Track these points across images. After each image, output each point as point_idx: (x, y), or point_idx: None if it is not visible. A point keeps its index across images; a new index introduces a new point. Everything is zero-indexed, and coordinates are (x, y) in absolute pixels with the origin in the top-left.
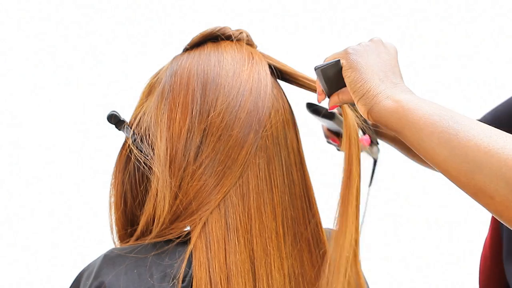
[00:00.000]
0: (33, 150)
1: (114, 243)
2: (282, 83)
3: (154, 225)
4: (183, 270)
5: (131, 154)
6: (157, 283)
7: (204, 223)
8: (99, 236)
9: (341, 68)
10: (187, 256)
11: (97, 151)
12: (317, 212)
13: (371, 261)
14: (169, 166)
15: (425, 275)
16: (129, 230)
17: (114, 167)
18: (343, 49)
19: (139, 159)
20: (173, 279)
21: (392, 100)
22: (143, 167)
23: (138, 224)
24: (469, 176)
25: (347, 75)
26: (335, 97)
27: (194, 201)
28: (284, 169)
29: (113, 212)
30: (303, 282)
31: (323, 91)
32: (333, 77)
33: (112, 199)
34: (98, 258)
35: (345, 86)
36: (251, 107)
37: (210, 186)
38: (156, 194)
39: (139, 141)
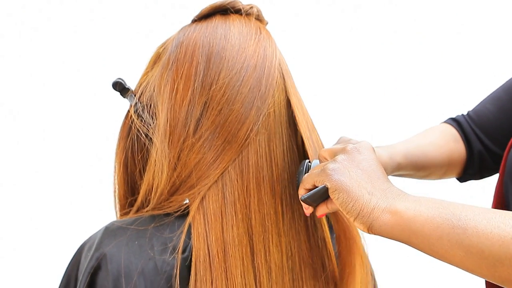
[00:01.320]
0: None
1: (116, 214)
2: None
3: (153, 195)
4: (183, 241)
5: (133, 124)
6: (158, 255)
7: (203, 197)
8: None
9: (326, 189)
10: (186, 228)
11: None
12: None
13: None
14: (169, 137)
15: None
16: (129, 200)
17: (118, 134)
18: (320, 169)
19: (140, 128)
20: (173, 251)
21: (389, 213)
22: (144, 137)
23: (138, 193)
24: (491, 270)
25: (335, 197)
26: (323, 207)
27: (192, 175)
28: (285, 148)
29: (116, 179)
30: (299, 261)
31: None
32: (320, 198)
33: (115, 167)
34: (99, 230)
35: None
36: (254, 83)
37: (209, 160)
38: (155, 164)
39: (141, 110)
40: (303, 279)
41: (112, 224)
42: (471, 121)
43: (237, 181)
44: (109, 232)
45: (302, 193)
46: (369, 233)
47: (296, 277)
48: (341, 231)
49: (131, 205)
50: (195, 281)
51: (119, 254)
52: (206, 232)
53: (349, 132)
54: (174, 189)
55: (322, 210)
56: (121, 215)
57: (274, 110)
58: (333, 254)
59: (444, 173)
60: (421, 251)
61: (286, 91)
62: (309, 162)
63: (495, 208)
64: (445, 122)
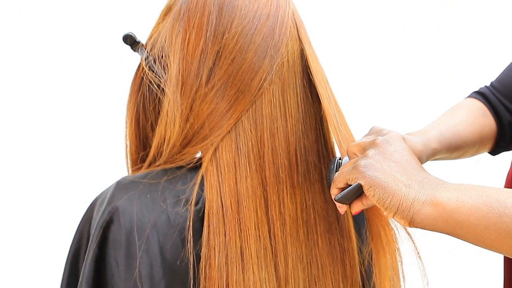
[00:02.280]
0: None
1: (128, 170)
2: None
3: (165, 148)
4: (196, 193)
5: (144, 76)
6: (170, 208)
7: (216, 148)
8: None
9: (360, 187)
10: (199, 180)
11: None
12: (333, 146)
13: None
14: (181, 87)
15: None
16: (141, 154)
17: (129, 89)
18: (351, 167)
19: (152, 80)
20: (186, 203)
21: (430, 205)
22: (156, 88)
23: (150, 147)
24: None
25: (370, 194)
26: (358, 203)
27: (205, 125)
28: (299, 98)
29: (127, 134)
30: (313, 214)
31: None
32: (353, 196)
33: (127, 122)
34: (110, 186)
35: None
36: (267, 32)
37: (222, 110)
38: (167, 116)
39: (153, 62)
40: (317, 232)
41: (124, 178)
42: (496, 91)
43: (251, 131)
44: (121, 186)
45: (335, 192)
46: (410, 227)
47: (311, 230)
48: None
49: (143, 160)
50: (208, 233)
51: (131, 207)
52: (219, 183)
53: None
54: (186, 141)
55: (357, 207)
56: (132, 171)
57: (288, 59)
58: (349, 210)
59: (477, 150)
60: (467, 241)
61: (300, 41)
62: (340, 159)
63: None
64: (469, 97)
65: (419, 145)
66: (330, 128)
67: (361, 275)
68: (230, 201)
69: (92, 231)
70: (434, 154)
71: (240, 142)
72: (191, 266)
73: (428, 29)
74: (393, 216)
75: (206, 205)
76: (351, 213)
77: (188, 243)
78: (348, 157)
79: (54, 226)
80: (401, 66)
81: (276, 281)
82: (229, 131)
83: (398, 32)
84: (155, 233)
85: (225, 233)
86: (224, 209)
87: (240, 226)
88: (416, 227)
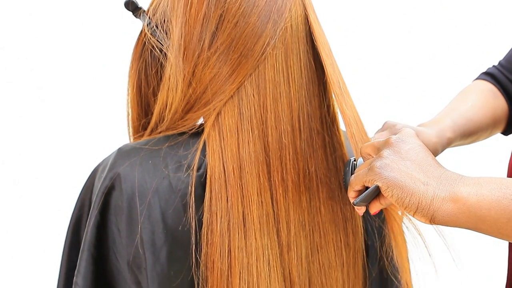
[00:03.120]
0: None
1: (129, 138)
2: None
3: (167, 113)
4: (198, 159)
5: (147, 41)
6: (172, 173)
7: (218, 113)
8: None
9: (378, 188)
10: (201, 145)
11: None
12: (336, 114)
13: None
14: (183, 52)
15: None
16: (143, 122)
17: (131, 56)
18: (367, 168)
19: (154, 45)
20: (188, 169)
21: (450, 202)
22: (158, 53)
23: (152, 114)
24: None
25: (388, 194)
26: (376, 203)
27: (207, 90)
28: (302, 64)
29: (129, 101)
30: (316, 180)
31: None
32: (371, 197)
33: (129, 89)
34: (112, 153)
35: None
36: None
37: (224, 75)
38: (169, 80)
39: (155, 27)
40: (320, 199)
41: (125, 145)
42: (505, 70)
43: (254, 96)
44: (123, 152)
45: (352, 195)
46: (431, 224)
47: (313, 196)
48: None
49: (144, 128)
50: (210, 198)
51: (133, 173)
52: (221, 148)
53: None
54: (189, 106)
55: (375, 207)
56: (134, 139)
57: (291, 24)
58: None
59: (490, 132)
60: (490, 235)
61: (304, 6)
62: (355, 160)
63: None
64: (478, 78)
65: (433, 137)
66: (333, 94)
67: (364, 243)
68: (233, 166)
69: (94, 198)
70: (449, 143)
71: (242, 107)
72: (193, 232)
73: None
74: (413, 214)
75: (208, 170)
76: (370, 212)
77: (190, 209)
78: (362, 158)
79: (53, 226)
80: (407, 54)
81: (279, 248)
82: (232, 96)
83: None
84: (157, 198)
85: (227, 199)
86: (226, 175)
87: (242, 191)
88: (438, 224)
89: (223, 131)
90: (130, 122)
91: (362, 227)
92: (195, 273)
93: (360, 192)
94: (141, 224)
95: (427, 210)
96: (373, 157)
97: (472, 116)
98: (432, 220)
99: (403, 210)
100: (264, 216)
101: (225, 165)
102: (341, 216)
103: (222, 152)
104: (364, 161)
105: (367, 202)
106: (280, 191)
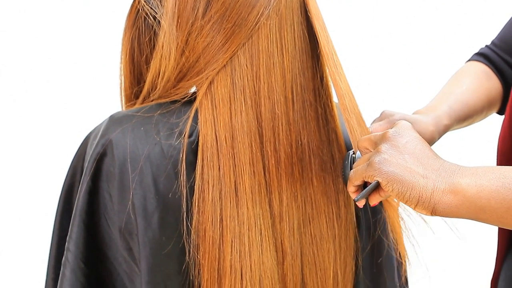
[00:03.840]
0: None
1: (122, 107)
2: None
3: (159, 81)
4: (189, 126)
5: (140, 8)
6: (164, 140)
7: (210, 82)
8: None
9: (378, 184)
10: (192, 113)
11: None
12: (329, 87)
13: None
14: (177, 20)
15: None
16: (135, 90)
17: (124, 23)
18: (366, 164)
19: (148, 12)
20: (179, 136)
21: (450, 194)
22: (152, 20)
23: (144, 82)
24: None
25: (389, 189)
26: (376, 196)
27: (200, 59)
28: (296, 35)
29: (122, 69)
30: (308, 152)
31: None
32: (372, 191)
33: (121, 57)
34: (104, 120)
35: None
36: None
37: (217, 44)
38: (162, 48)
39: None
40: (312, 170)
41: (117, 113)
42: (498, 48)
43: (247, 66)
44: (114, 120)
45: (352, 190)
46: (432, 215)
47: (306, 168)
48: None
49: (137, 96)
50: (202, 166)
51: (124, 139)
52: (213, 117)
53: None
54: (181, 75)
55: (375, 200)
56: (126, 107)
57: None
58: (344, 148)
59: (486, 114)
60: (490, 224)
61: None
62: (353, 154)
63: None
64: (471, 60)
65: (430, 125)
66: (325, 67)
67: (356, 216)
68: (225, 135)
69: (86, 165)
70: (445, 130)
71: (235, 76)
72: (184, 199)
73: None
74: (415, 208)
75: (200, 138)
76: (370, 205)
77: (182, 176)
78: (360, 152)
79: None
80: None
81: (271, 218)
82: (225, 65)
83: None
84: (149, 165)
85: (219, 167)
86: (218, 143)
87: (234, 160)
88: (439, 216)
89: (215, 100)
90: (122, 91)
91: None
92: (186, 240)
93: (359, 186)
94: (132, 190)
95: (428, 203)
96: (371, 151)
97: (467, 99)
98: (433, 212)
99: (404, 204)
100: (256, 186)
101: (217, 134)
102: (333, 188)
103: (214, 120)
104: (362, 155)
105: (367, 195)
106: (273, 162)
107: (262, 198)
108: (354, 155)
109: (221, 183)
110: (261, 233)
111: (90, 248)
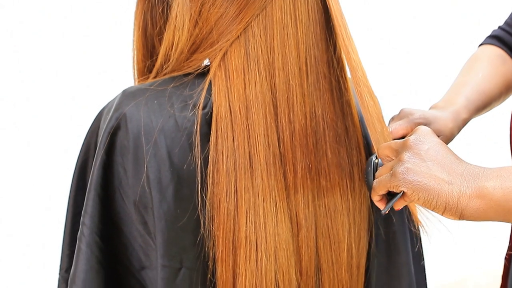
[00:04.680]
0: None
1: (134, 82)
2: None
3: (173, 53)
4: (204, 97)
5: None
6: (178, 112)
7: (224, 53)
8: None
9: (404, 193)
10: (206, 85)
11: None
12: (342, 59)
13: None
14: None
15: None
16: (147, 63)
17: None
18: (389, 174)
19: None
20: (193, 107)
21: (477, 198)
22: None
23: (157, 56)
24: None
25: (415, 198)
26: (401, 201)
27: (214, 30)
28: (310, 7)
29: (134, 43)
30: (322, 124)
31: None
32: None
33: (134, 30)
34: (116, 95)
35: None
36: None
37: (231, 15)
38: (176, 19)
39: None
40: (326, 142)
41: (130, 87)
42: (511, 28)
43: (261, 37)
44: (128, 94)
45: (376, 199)
46: (461, 220)
47: (320, 140)
48: None
49: (150, 71)
50: (216, 137)
51: (138, 113)
52: (227, 88)
53: None
54: (195, 46)
55: (400, 205)
56: (139, 82)
57: None
58: (357, 121)
59: (503, 99)
60: None
61: None
62: (376, 159)
63: None
64: (484, 44)
65: (449, 122)
66: (339, 39)
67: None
68: (239, 106)
69: (99, 139)
70: (464, 123)
71: (249, 47)
72: (199, 171)
73: None
74: (442, 214)
75: (213, 109)
76: (395, 209)
77: (196, 147)
78: (381, 159)
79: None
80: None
81: (285, 190)
82: (238, 36)
83: None
84: (163, 137)
85: (233, 138)
86: (232, 114)
87: (248, 132)
88: (467, 220)
89: (229, 71)
90: (135, 64)
91: None
92: (201, 212)
93: (383, 195)
94: (147, 162)
95: (455, 209)
96: (392, 159)
97: (484, 88)
98: (462, 217)
99: (431, 210)
100: (271, 157)
101: (231, 105)
102: (347, 161)
103: (228, 92)
104: (383, 162)
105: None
106: (287, 133)
107: (277, 170)
108: (376, 161)
109: (235, 154)
110: (276, 205)
111: (105, 223)
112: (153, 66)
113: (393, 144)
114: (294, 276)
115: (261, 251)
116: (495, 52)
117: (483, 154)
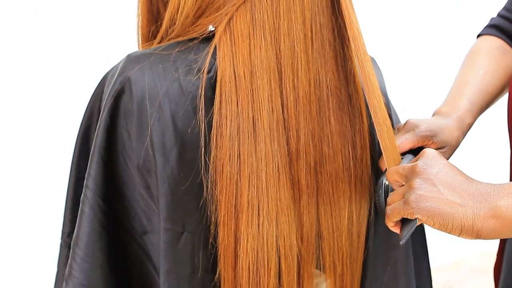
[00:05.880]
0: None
1: (139, 47)
2: None
3: (178, 17)
4: (208, 62)
5: None
6: (182, 76)
7: (230, 18)
8: None
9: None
10: (211, 49)
11: None
12: (347, 27)
13: None
14: None
15: None
16: (152, 28)
17: None
18: (402, 201)
19: None
20: (198, 72)
21: (492, 218)
22: None
23: (162, 21)
24: None
25: (430, 224)
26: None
27: None
28: None
29: (139, 8)
30: (326, 91)
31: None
32: (414, 229)
33: None
34: (121, 60)
35: None
36: None
37: None
38: None
39: None
40: (330, 109)
41: (134, 52)
42: (510, 13)
43: (267, 2)
44: (132, 58)
45: (391, 225)
46: (478, 239)
47: (323, 107)
48: None
49: (154, 36)
50: (220, 101)
51: (143, 77)
52: (232, 53)
53: None
54: (200, 11)
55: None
56: (143, 47)
57: None
58: (360, 91)
59: (505, 92)
60: None
61: None
62: (386, 181)
63: None
64: (483, 34)
65: (455, 130)
66: (343, 7)
67: (371, 157)
68: (244, 70)
69: (103, 103)
70: (469, 128)
71: (255, 12)
72: (202, 134)
73: None
74: (459, 235)
75: (218, 73)
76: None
77: (200, 111)
78: (391, 184)
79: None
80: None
81: (288, 156)
82: (244, 1)
83: None
84: (167, 101)
85: (237, 103)
86: (236, 79)
87: (253, 96)
88: (485, 239)
89: (234, 35)
90: (139, 30)
91: (369, 141)
92: (204, 176)
93: (397, 221)
94: (151, 126)
95: (471, 230)
96: (402, 184)
97: (487, 87)
98: (478, 237)
99: (447, 233)
100: (274, 123)
101: (235, 69)
102: (350, 129)
103: (233, 56)
104: (393, 187)
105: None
106: (291, 99)
107: (280, 135)
108: (387, 183)
109: (239, 119)
110: (278, 170)
111: (108, 186)
112: (158, 32)
113: (401, 169)
114: (295, 242)
115: (263, 215)
116: (495, 43)
117: (479, 149)
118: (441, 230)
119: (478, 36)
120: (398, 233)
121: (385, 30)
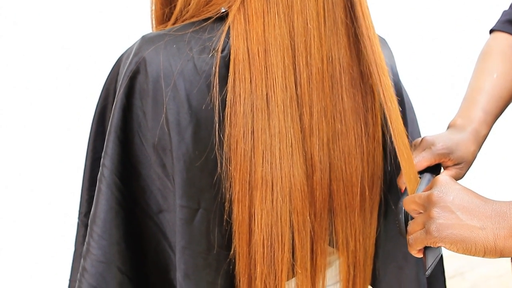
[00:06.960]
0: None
1: (152, 29)
2: None
3: None
4: (223, 41)
5: None
6: (197, 55)
7: None
8: None
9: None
10: (225, 28)
11: None
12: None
13: None
14: None
15: None
16: (166, 10)
17: None
18: (424, 231)
19: None
20: (212, 51)
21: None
22: None
23: (175, 3)
24: None
25: (453, 249)
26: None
27: None
28: None
29: None
30: (339, 68)
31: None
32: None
33: None
34: (136, 41)
35: None
36: None
37: None
38: None
39: None
40: (342, 86)
41: (148, 33)
42: None
43: None
44: (147, 39)
45: (414, 253)
46: (502, 257)
47: (336, 84)
48: None
49: (168, 18)
50: (234, 79)
51: (157, 57)
52: (246, 31)
53: None
54: None
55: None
56: (157, 29)
57: None
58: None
59: None
60: None
61: None
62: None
63: None
64: (496, 30)
65: (471, 145)
66: None
67: (383, 136)
68: (258, 48)
69: (119, 84)
70: (484, 138)
71: None
72: (216, 112)
73: None
74: (483, 256)
75: (232, 51)
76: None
77: (214, 89)
78: (409, 212)
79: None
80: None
81: (301, 132)
82: None
83: None
84: (182, 80)
85: (250, 80)
86: (250, 56)
87: (266, 74)
88: (509, 257)
89: (248, 14)
90: (153, 12)
91: (381, 118)
92: (218, 153)
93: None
94: (166, 105)
95: (494, 251)
96: (420, 212)
97: (501, 91)
98: (502, 255)
99: (472, 256)
100: (288, 99)
101: (249, 47)
102: (362, 106)
103: (246, 34)
104: (411, 215)
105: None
106: (304, 76)
107: (293, 112)
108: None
109: (252, 96)
110: (291, 146)
111: (124, 165)
112: (171, 14)
113: (417, 198)
114: (308, 218)
115: (277, 191)
116: (508, 41)
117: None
118: (465, 254)
119: (491, 31)
120: (422, 258)
121: (396, 26)
